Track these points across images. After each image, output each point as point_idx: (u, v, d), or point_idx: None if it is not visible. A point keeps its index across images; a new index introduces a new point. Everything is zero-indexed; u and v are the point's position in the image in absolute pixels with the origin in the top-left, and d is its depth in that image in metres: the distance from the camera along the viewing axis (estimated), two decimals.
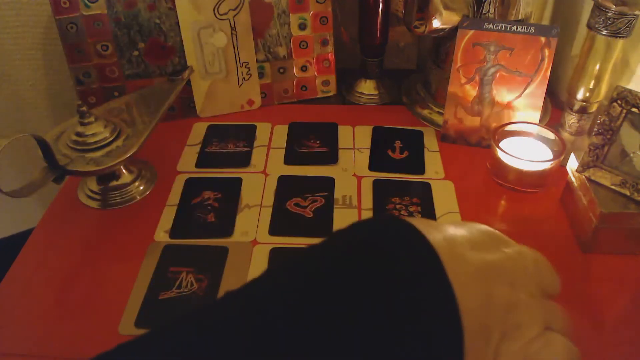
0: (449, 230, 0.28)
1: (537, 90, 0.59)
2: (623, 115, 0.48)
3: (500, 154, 0.56)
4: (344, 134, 0.67)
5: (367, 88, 0.75)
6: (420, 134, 0.66)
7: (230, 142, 0.66)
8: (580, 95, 0.58)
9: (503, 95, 0.61)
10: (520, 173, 0.56)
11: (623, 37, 0.53)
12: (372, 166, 0.62)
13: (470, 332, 0.25)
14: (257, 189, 0.59)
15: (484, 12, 0.60)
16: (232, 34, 0.66)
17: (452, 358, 0.24)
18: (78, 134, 0.53)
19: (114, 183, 0.58)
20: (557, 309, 0.31)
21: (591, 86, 0.57)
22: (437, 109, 0.69)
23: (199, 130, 0.68)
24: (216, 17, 0.65)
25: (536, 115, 0.61)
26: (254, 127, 0.68)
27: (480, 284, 0.26)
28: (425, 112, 0.69)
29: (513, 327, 0.27)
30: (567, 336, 0.30)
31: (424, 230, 0.26)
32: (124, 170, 0.58)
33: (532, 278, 0.30)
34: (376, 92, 0.74)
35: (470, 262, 0.27)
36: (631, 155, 0.48)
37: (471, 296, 0.26)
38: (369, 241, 0.26)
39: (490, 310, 0.26)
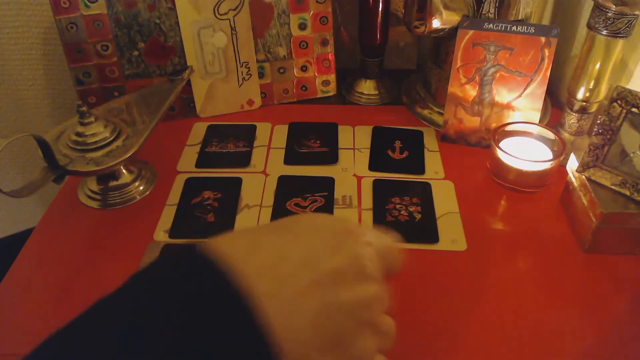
0: (270, 249, 0.28)
1: (537, 90, 0.59)
2: (623, 115, 0.48)
3: (500, 154, 0.56)
4: (344, 134, 0.67)
5: (367, 88, 0.75)
6: (420, 134, 0.66)
7: (230, 142, 0.66)
8: (580, 95, 0.58)
9: (503, 95, 0.61)
10: (520, 173, 0.56)
11: (623, 37, 0.53)
12: (372, 166, 0.62)
13: (300, 351, 0.25)
14: (257, 189, 0.59)
15: (484, 12, 0.60)
16: (232, 34, 0.66)
17: None
18: (78, 134, 0.53)
19: (114, 183, 0.58)
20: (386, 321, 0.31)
21: (591, 86, 0.57)
22: (437, 109, 0.69)
23: (199, 130, 0.68)
24: (216, 17, 0.65)
25: (536, 115, 0.61)
26: (254, 127, 0.68)
27: (308, 302, 0.26)
28: (425, 112, 0.69)
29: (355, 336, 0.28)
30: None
31: (234, 259, 0.26)
32: (124, 170, 0.58)
33: (367, 274, 0.30)
34: (376, 92, 0.74)
35: (291, 284, 0.27)
36: (631, 155, 0.48)
37: (298, 316, 0.26)
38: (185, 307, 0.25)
39: (327, 321, 0.27)
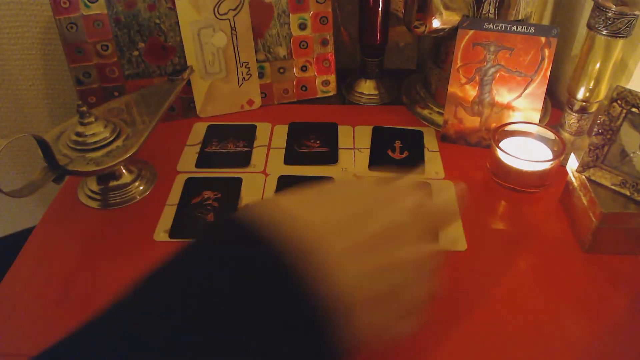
0: (315, 212, 0.30)
1: (537, 90, 0.59)
2: (623, 115, 0.48)
3: (500, 154, 0.56)
4: (344, 134, 0.67)
5: (367, 88, 0.75)
6: (420, 134, 0.66)
7: (230, 142, 0.66)
8: (580, 95, 0.58)
9: (503, 95, 0.61)
10: (520, 173, 0.56)
11: (623, 37, 0.53)
12: (372, 166, 0.62)
13: (356, 304, 0.27)
14: (257, 189, 0.59)
15: (484, 12, 0.60)
16: (232, 34, 0.66)
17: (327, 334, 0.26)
18: (78, 134, 0.53)
19: (114, 183, 0.58)
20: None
21: (591, 86, 0.57)
22: (437, 109, 0.69)
23: (199, 130, 0.68)
24: (216, 17, 0.65)
25: (536, 115, 0.61)
26: (254, 127, 0.68)
27: (354, 262, 0.28)
28: (425, 112, 0.69)
29: (395, 291, 0.30)
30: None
31: (283, 221, 0.28)
32: (124, 170, 0.58)
33: (409, 234, 0.32)
34: (376, 92, 0.74)
35: (338, 246, 0.29)
36: (631, 155, 0.48)
37: (346, 276, 0.28)
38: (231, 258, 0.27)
39: (375, 280, 0.29)
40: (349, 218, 0.30)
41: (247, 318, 0.25)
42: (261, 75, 0.71)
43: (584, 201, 0.50)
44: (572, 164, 0.53)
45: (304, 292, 0.26)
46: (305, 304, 0.26)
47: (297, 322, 0.26)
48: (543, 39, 0.57)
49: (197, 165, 0.62)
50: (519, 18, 0.60)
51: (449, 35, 0.61)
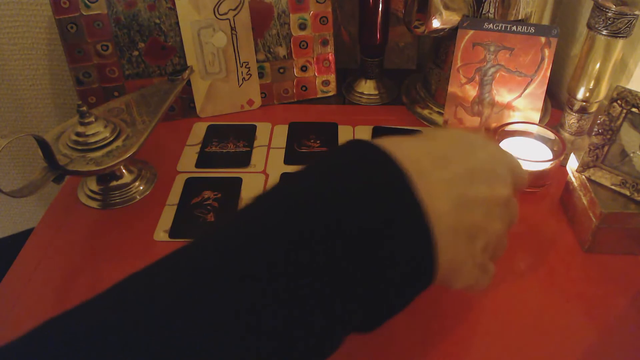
0: (418, 146, 0.33)
1: (537, 90, 0.59)
2: (623, 115, 0.48)
3: None
4: (344, 134, 0.67)
5: (367, 88, 0.75)
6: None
7: (230, 142, 0.66)
8: (580, 95, 0.58)
9: (503, 95, 0.61)
10: None
11: (623, 37, 0.53)
12: None
13: (444, 232, 0.29)
14: (257, 189, 0.59)
15: (484, 12, 0.60)
16: (232, 34, 0.66)
17: (424, 254, 0.28)
18: (78, 134, 0.53)
19: (114, 183, 0.58)
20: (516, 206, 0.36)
21: (591, 86, 0.57)
22: (437, 109, 0.69)
23: (199, 130, 0.68)
24: (216, 17, 0.65)
25: (536, 115, 0.61)
26: (254, 127, 0.68)
27: (450, 190, 0.30)
28: (425, 112, 0.69)
29: (486, 231, 0.32)
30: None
31: (391, 148, 0.30)
32: (124, 170, 0.58)
33: (501, 178, 0.34)
34: (376, 92, 0.74)
35: (437, 174, 0.30)
36: (631, 155, 0.48)
37: (442, 201, 0.29)
38: (343, 167, 0.30)
39: (465, 211, 0.31)
40: (447, 154, 0.32)
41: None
42: (261, 75, 0.71)
43: (584, 201, 0.50)
44: (572, 164, 0.53)
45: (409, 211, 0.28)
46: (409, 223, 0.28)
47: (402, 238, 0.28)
48: (543, 39, 0.57)
49: (197, 165, 0.62)
50: (519, 18, 0.60)
51: (449, 35, 0.61)
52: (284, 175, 0.31)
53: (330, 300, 0.26)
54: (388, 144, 0.31)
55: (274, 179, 0.60)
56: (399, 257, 0.28)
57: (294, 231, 0.26)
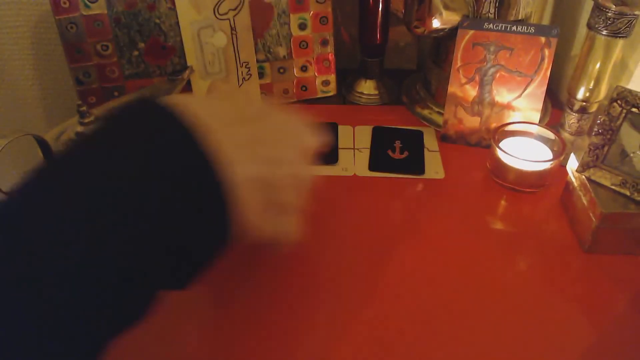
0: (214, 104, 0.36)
1: (537, 90, 0.59)
2: (623, 115, 0.48)
3: (500, 154, 0.56)
4: (344, 134, 0.67)
5: (367, 88, 0.75)
6: (420, 134, 0.66)
7: None
8: (580, 95, 0.58)
9: (503, 95, 0.61)
10: (520, 173, 0.56)
11: (623, 37, 0.53)
12: (372, 166, 0.61)
13: (240, 183, 0.31)
14: None
15: (483, 12, 0.60)
16: (232, 34, 0.66)
17: (218, 204, 0.30)
18: (78, 134, 0.53)
19: None
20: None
21: (591, 86, 0.57)
22: (437, 109, 0.69)
23: None
24: (216, 17, 0.65)
25: (536, 115, 0.61)
26: None
27: (245, 149, 0.33)
28: (425, 112, 0.69)
29: (279, 188, 0.35)
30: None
31: (186, 106, 0.31)
32: None
33: (290, 140, 0.38)
34: (376, 92, 0.74)
35: (234, 133, 0.33)
36: (631, 155, 0.48)
37: (236, 155, 0.32)
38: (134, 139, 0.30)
39: (259, 167, 0.34)
40: (241, 117, 0.36)
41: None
42: (261, 75, 0.71)
43: (584, 201, 0.50)
44: (572, 164, 0.53)
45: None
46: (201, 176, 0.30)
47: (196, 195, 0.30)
48: (543, 39, 0.57)
49: None
50: (519, 18, 0.60)
51: (449, 35, 0.61)
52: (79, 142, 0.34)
53: (140, 258, 0.28)
54: (182, 101, 0.32)
55: None
56: (196, 216, 0.30)
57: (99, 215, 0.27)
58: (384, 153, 0.63)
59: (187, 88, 0.68)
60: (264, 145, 0.35)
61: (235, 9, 0.65)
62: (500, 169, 0.57)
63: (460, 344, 0.43)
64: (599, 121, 0.50)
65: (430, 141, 0.65)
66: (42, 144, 0.50)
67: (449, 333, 0.43)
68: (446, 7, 0.58)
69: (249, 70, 0.69)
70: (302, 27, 0.69)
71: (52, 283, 0.25)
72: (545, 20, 0.68)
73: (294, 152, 0.37)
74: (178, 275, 0.31)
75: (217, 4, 0.64)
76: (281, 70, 0.71)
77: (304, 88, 0.73)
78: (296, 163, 0.37)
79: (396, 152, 0.64)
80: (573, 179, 0.53)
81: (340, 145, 0.65)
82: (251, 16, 0.66)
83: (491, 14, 0.60)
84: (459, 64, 0.60)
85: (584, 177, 0.51)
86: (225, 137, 0.32)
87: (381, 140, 0.65)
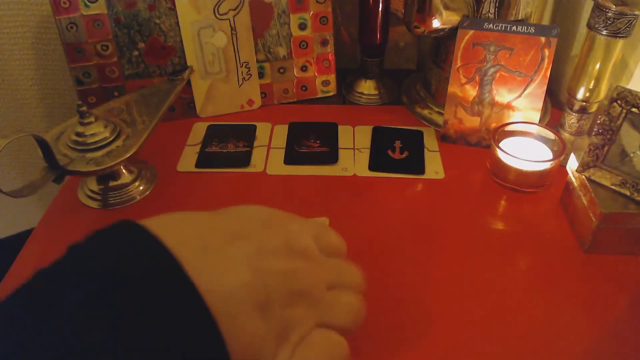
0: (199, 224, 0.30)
1: (537, 90, 0.59)
2: (623, 115, 0.48)
3: (500, 154, 0.56)
4: (344, 134, 0.67)
5: (367, 88, 0.75)
6: (420, 134, 0.66)
7: (230, 142, 0.66)
8: (580, 95, 0.58)
9: (503, 95, 0.61)
10: (520, 173, 0.56)
11: (623, 37, 0.53)
12: (372, 166, 0.62)
13: (232, 310, 0.27)
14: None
15: (483, 12, 0.60)
16: (232, 34, 0.66)
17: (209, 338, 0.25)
18: (78, 134, 0.53)
19: (114, 183, 0.58)
20: (347, 270, 0.34)
21: (591, 86, 0.57)
22: (437, 109, 0.69)
23: (198, 130, 0.68)
24: (216, 17, 0.65)
25: (536, 115, 0.61)
26: (254, 127, 0.68)
27: (240, 265, 0.28)
28: (425, 112, 0.69)
29: (286, 327, 0.30)
30: (358, 293, 0.34)
31: (163, 231, 0.27)
32: (124, 170, 0.58)
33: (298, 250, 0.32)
34: (376, 92, 0.74)
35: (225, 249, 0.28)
36: (631, 155, 0.48)
37: (227, 277, 0.27)
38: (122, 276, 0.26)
39: (260, 284, 0.28)
40: (238, 230, 0.30)
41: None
42: (261, 75, 0.71)
43: (584, 201, 0.50)
44: (572, 164, 0.53)
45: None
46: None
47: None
48: (543, 39, 0.57)
49: (197, 165, 0.62)
50: (519, 18, 0.60)
51: (449, 35, 0.61)
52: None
53: None
54: (160, 225, 0.28)
55: (274, 178, 0.60)
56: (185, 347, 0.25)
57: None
58: (384, 153, 0.63)
59: (187, 88, 0.68)
60: (267, 259, 0.30)
61: (235, 9, 0.65)
62: (500, 169, 0.57)
63: (460, 343, 0.43)
64: (599, 121, 0.50)
65: (430, 141, 0.65)
66: (42, 144, 0.50)
67: (449, 333, 0.43)
68: (446, 7, 0.58)
69: (249, 70, 0.69)
70: (302, 27, 0.69)
71: None
72: (545, 20, 0.68)
73: (299, 263, 0.32)
74: None
75: (217, 4, 0.64)
76: (281, 70, 0.71)
77: (304, 88, 0.73)
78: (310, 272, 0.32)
79: (396, 152, 0.64)
80: (573, 179, 0.53)
81: (340, 145, 0.65)
82: (251, 16, 0.66)
83: (491, 14, 0.60)
84: (459, 64, 0.60)
85: (584, 177, 0.51)
86: (221, 258, 0.28)
87: (381, 140, 0.65)
